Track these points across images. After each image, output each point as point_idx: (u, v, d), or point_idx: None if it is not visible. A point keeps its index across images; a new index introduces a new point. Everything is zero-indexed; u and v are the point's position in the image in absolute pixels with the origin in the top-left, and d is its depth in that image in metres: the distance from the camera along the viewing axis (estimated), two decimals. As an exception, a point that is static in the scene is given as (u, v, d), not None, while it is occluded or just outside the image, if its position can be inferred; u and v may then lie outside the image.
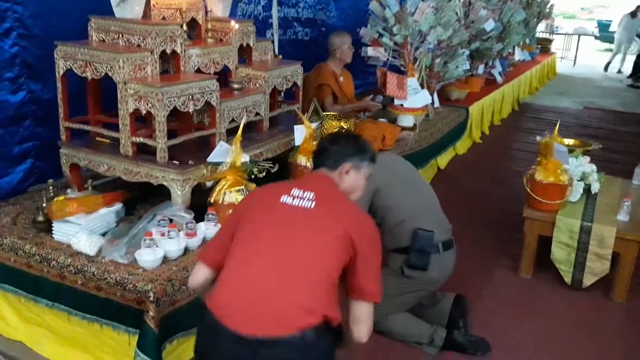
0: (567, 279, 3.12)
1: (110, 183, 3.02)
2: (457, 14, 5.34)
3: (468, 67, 6.18)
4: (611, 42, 18.20)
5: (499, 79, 7.44)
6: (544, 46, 11.50)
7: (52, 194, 2.56)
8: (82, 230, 2.36)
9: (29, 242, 2.40)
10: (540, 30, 12.55)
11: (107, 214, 2.54)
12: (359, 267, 1.71)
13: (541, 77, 10.49)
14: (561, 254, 3.09)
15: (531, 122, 7.61)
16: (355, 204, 1.94)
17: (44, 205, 2.50)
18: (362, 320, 1.73)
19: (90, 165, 2.70)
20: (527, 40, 9.59)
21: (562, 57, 13.99)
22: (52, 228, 2.44)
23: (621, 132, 7.11)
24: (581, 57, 14.44)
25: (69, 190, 2.76)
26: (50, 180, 2.64)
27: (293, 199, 1.78)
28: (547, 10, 9.76)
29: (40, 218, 2.49)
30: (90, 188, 2.71)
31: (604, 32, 18.46)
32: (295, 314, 1.57)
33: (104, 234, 2.43)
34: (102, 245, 2.34)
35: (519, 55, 8.88)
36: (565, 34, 15.57)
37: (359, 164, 1.97)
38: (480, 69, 6.77)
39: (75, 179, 2.79)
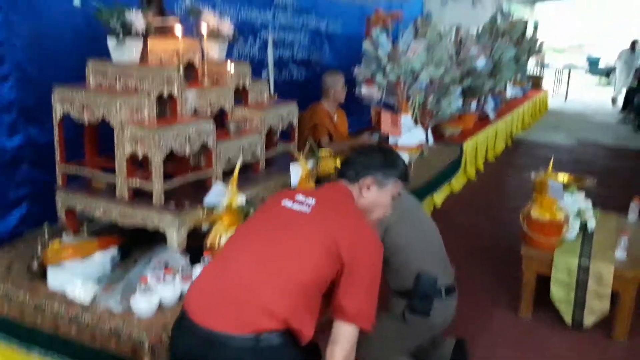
0: (567, 318, 3.09)
1: (105, 227, 2.99)
2: (448, 52, 5.44)
3: (461, 104, 6.26)
4: (601, 75, 18.59)
5: (491, 115, 7.52)
6: (535, 82, 11.68)
7: (47, 239, 2.54)
8: (77, 277, 2.32)
9: (23, 290, 2.36)
10: (531, 66, 12.77)
11: (102, 259, 2.51)
12: (342, 282, 1.60)
13: (533, 112, 10.62)
14: (560, 293, 3.06)
15: (525, 158, 7.67)
16: (361, 218, 1.79)
17: (39, 251, 2.47)
18: (336, 342, 1.59)
19: (86, 209, 2.68)
20: (518, 77, 9.75)
21: (553, 93, 14.19)
22: (47, 275, 2.40)
23: (614, 166, 7.17)
24: (572, 92, 14.67)
25: (64, 234, 2.73)
26: (46, 225, 2.62)
27: (293, 202, 1.74)
28: (537, 47, 9.94)
29: (35, 265, 2.46)
30: (85, 232, 2.69)
31: (594, 67, 18.84)
32: (254, 313, 1.50)
33: (99, 280, 2.40)
34: (97, 292, 2.30)
35: (510, 91, 9.01)
36: (555, 70, 15.85)
37: (383, 180, 1.85)
38: (473, 105, 6.85)
39: (71, 223, 2.77)
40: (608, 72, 18.16)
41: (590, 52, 22.09)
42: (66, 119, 2.67)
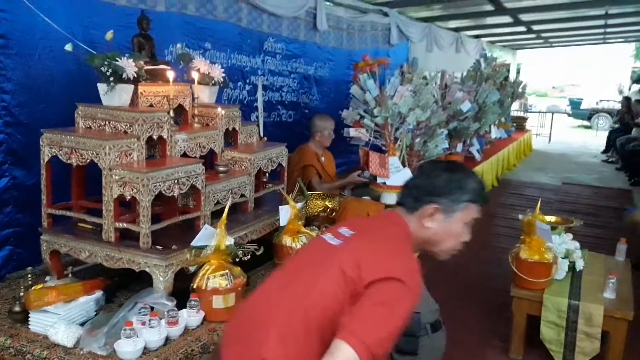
0: (558, 359, 3.06)
1: (91, 269, 2.95)
2: (434, 96, 5.55)
3: (447, 145, 6.35)
4: (583, 119, 19.02)
5: (477, 156, 7.63)
6: (519, 124, 11.91)
7: (30, 282, 2.50)
8: (60, 321, 2.27)
9: (4, 334, 2.30)
10: (515, 109, 13.06)
11: (87, 302, 2.46)
12: (355, 305, 1.38)
13: (518, 153, 10.78)
14: (551, 334, 3.04)
15: (511, 198, 7.74)
16: (400, 247, 1.53)
17: (22, 294, 2.42)
18: (329, 355, 1.34)
19: (71, 252, 2.65)
20: (503, 119, 9.94)
21: (537, 134, 14.46)
22: (29, 318, 2.35)
23: (599, 206, 7.25)
24: (555, 133, 14.96)
25: (48, 278, 2.69)
26: (29, 268, 2.58)
27: (332, 236, 1.56)
28: (521, 90, 10.19)
29: (17, 308, 2.40)
30: (70, 275, 2.65)
31: (576, 109, 19.30)
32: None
33: (82, 324, 2.35)
34: (81, 335, 2.25)
35: (495, 133, 9.17)
36: (539, 112, 16.20)
37: (451, 206, 1.59)
38: (459, 147, 6.95)
39: (55, 266, 2.73)
40: (589, 116, 18.60)
41: (571, 95, 22.66)
42: (53, 161, 2.66)
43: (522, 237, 3.18)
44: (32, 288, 2.40)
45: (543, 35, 12.02)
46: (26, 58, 2.95)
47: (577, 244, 3.35)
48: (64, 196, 2.81)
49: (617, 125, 12.95)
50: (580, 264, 3.28)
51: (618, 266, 3.45)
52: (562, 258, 3.22)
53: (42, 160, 2.65)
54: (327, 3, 5.79)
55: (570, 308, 2.96)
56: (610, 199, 7.77)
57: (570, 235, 3.39)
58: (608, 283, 3.01)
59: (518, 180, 8.96)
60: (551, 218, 3.59)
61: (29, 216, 2.98)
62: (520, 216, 3.25)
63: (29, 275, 2.52)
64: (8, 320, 2.42)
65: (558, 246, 3.23)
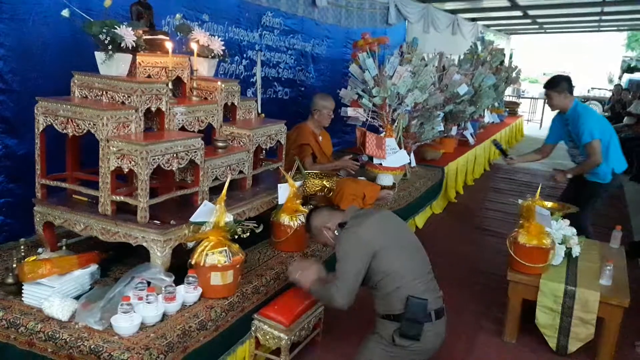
0: (552, 344, 3.08)
1: (84, 242, 2.90)
2: (432, 77, 5.50)
3: (442, 128, 6.34)
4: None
5: (471, 140, 7.62)
6: (512, 109, 11.93)
7: (23, 254, 2.44)
8: (54, 294, 2.23)
9: (-4, 306, 2.26)
10: (508, 94, 13.04)
11: (82, 275, 2.42)
12: None
13: (510, 138, 10.80)
14: (546, 319, 3.05)
15: (503, 182, 7.77)
16: None
17: (14, 266, 2.37)
18: None
19: (66, 224, 2.58)
20: (496, 104, 9.93)
21: (528, 120, 14.49)
22: (22, 291, 2.30)
23: (590, 193, 7.28)
24: (547, 120, 14.98)
25: (40, 250, 2.63)
26: (22, 240, 2.52)
27: None
28: (515, 75, 10.16)
29: (10, 280, 2.35)
30: (64, 247, 2.59)
31: (567, 97, 19.32)
32: None
33: (77, 297, 2.31)
34: (76, 309, 2.21)
35: (488, 117, 9.16)
36: (531, 98, 16.21)
37: None
38: (454, 130, 6.94)
39: (49, 238, 2.67)
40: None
41: (562, 82, 22.68)
42: (47, 130, 2.58)
43: (520, 221, 3.17)
44: (26, 260, 2.35)
45: (538, 20, 11.96)
46: (20, 23, 2.85)
47: (574, 230, 3.36)
48: (57, 167, 2.73)
49: (607, 114, 13.00)
50: (576, 250, 3.29)
51: (613, 253, 3.46)
52: (559, 244, 3.22)
53: (36, 130, 2.57)
54: (327, -21, 5.68)
55: (566, 294, 2.97)
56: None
57: (567, 222, 3.38)
58: (604, 270, 3.01)
59: (509, 166, 8.97)
60: (548, 204, 3.58)
61: (21, 187, 2.92)
62: (519, 201, 3.23)
63: (22, 247, 2.46)
64: (0, 291, 2.37)
65: (555, 232, 3.23)
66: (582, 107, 4.08)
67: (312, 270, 2.61)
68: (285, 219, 3.09)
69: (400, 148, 4.89)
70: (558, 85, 4.01)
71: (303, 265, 2.68)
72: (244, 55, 4.69)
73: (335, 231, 2.54)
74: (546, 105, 14.88)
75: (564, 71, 30.39)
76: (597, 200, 4.13)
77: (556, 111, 4.30)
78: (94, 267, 2.51)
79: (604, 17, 11.12)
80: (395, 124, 4.92)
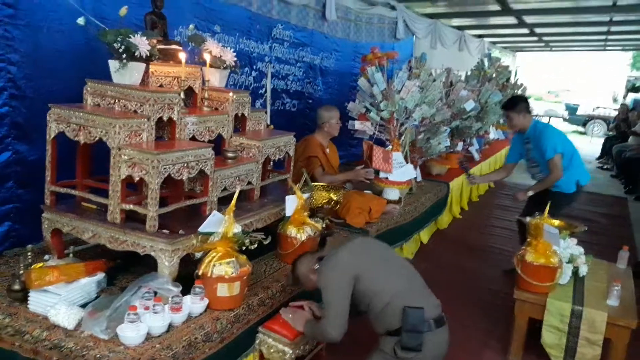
0: (558, 364, 3.05)
1: (91, 250, 2.90)
2: (440, 93, 5.51)
3: (449, 143, 6.33)
4: (578, 124, 19.12)
5: (476, 156, 7.62)
6: (517, 126, 11.89)
7: (30, 261, 2.43)
8: (61, 302, 2.22)
9: (2, 313, 2.25)
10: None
11: (89, 284, 2.41)
12: None
13: (514, 155, 10.77)
14: (552, 338, 3.03)
15: (507, 199, 7.74)
16: None
17: (21, 272, 2.36)
18: None
19: (74, 231, 2.58)
20: (502, 121, 9.93)
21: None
22: (29, 298, 2.29)
23: (595, 212, 7.27)
24: (550, 137, 14.98)
25: (47, 257, 2.63)
26: (29, 246, 2.52)
27: None
28: (520, 92, 10.17)
29: (17, 287, 2.34)
30: (71, 255, 2.59)
31: (572, 115, 19.38)
32: None
33: (83, 306, 2.30)
34: (82, 318, 2.20)
35: (493, 134, 9.17)
36: (536, 115, 16.22)
37: None
38: (459, 146, 6.93)
39: (56, 245, 2.66)
40: (585, 122, 18.70)
41: (565, 100, 22.76)
42: (58, 137, 2.59)
43: (528, 239, 3.15)
44: (33, 266, 2.34)
45: (545, 38, 11.99)
46: (35, 30, 2.87)
47: (582, 249, 3.34)
48: (66, 174, 2.74)
49: (612, 133, 12.99)
50: (584, 270, 3.27)
51: (620, 273, 3.44)
52: (567, 263, 3.21)
53: (48, 136, 2.57)
54: (337, -7, 5.71)
55: (573, 313, 2.95)
56: (606, 205, 7.80)
57: (575, 240, 3.37)
58: (612, 290, 3.00)
59: (514, 183, 8.95)
60: (555, 222, 3.57)
61: (30, 193, 2.92)
62: (527, 218, 3.22)
63: (29, 254, 2.46)
64: (6, 298, 2.36)
65: (563, 250, 3.22)
66: (541, 124, 4.22)
67: (302, 314, 2.64)
68: (292, 231, 3.08)
69: (407, 162, 4.89)
70: (517, 105, 4.10)
71: (293, 309, 2.69)
72: (254, 67, 4.71)
73: (315, 265, 2.57)
74: (551, 122, 14.88)
75: (568, 89, 30.51)
76: (561, 210, 4.20)
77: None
78: (101, 276, 2.50)
79: (610, 37, 11.15)
80: (403, 138, 4.92)
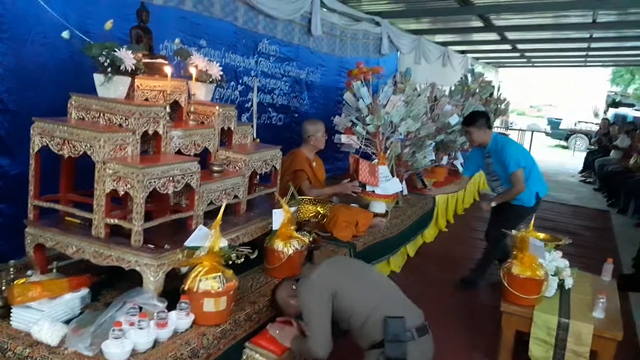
0: (546, 377, 3.06)
1: (75, 265, 2.85)
2: (424, 107, 5.56)
3: (434, 157, 6.38)
4: (560, 139, 19.39)
5: (461, 169, 7.66)
6: (500, 140, 12.03)
7: (12, 276, 2.39)
8: (44, 318, 2.18)
9: (-17, 330, 2.20)
10: (496, 125, 13.20)
11: (72, 299, 2.37)
12: None
13: (499, 169, 10.88)
14: (539, 351, 3.03)
15: (492, 212, 7.79)
16: None
17: (3, 288, 2.31)
18: None
19: (58, 246, 2.54)
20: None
21: (516, 151, 14.64)
22: (11, 314, 2.24)
23: (579, 225, 7.35)
24: (534, 152, 15.16)
25: (30, 272, 2.58)
26: (12, 262, 2.47)
27: None
28: (504, 107, 10.30)
29: (-2, 303, 2.29)
30: (54, 270, 2.55)
31: (555, 129, 19.65)
32: None
33: (67, 322, 2.26)
34: (66, 334, 2.15)
35: (478, 148, 9.24)
36: (519, 130, 16.45)
37: None
38: (444, 160, 6.99)
39: (39, 261, 2.62)
40: (567, 136, 18.98)
41: (548, 114, 23.10)
42: (41, 151, 2.56)
43: (514, 252, 3.17)
44: (15, 282, 2.30)
45: (527, 54, 12.20)
46: (18, 43, 2.86)
47: (567, 262, 3.37)
48: (50, 188, 2.70)
49: (594, 147, 13.20)
50: (569, 282, 3.29)
51: (605, 286, 3.47)
52: (552, 275, 3.23)
53: (31, 150, 2.54)
54: (323, 9, 5.76)
55: (560, 326, 2.96)
56: (589, 218, 7.89)
57: (560, 253, 3.40)
58: (598, 302, 3.01)
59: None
60: (540, 235, 3.60)
61: (12, 207, 2.88)
62: (513, 232, 3.24)
63: (12, 269, 2.41)
64: (-13, 314, 2.31)
65: (549, 263, 3.24)
66: (501, 139, 4.30)
67: (289, 330, 2.62)
68: (279, 245, 3.06)
69: (393, 176, 4.91)
70: (477, 121, 4.15)
71: (280, 325, 2.67)
72: (240, 81, 4.73)
73: (293, 286, 2.60)
74: (534, 136, 15.05)
75: (550, 104, 30.99)
76: (521, 222, 4.35)
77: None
78: (84, 291, 2.46)
79: (590, 53, 11.38)
80: (388, 151, 4.95)
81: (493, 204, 4.33)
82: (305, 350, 2.45)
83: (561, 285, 3.29)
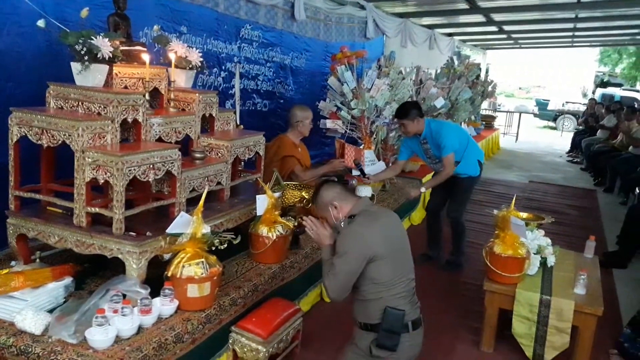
0: (529, 353, 3.10)
1: (58, 255, 2.86)
2: (409, 91, 5.57)
3: (420, 140, 6.40)
4: (548, 119, 19.47)
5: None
6: (488, 122, 12.10)
7: (-5, 267, 2.39)
8: (27, 307, 2.19)
9: (-34, 320, 2.20)
10: (484, 107, 13.25)
11: (56, 288, 2.38)
12: None
13: (486, 151, 10.94)
14: (522, 328, 3.09)
15: (480, 194, 7.83)
16: None
17: (-15, 279, 2.31)
18: None
19: (40, 236, 2.54)
20: (473, 117, 10.08)
21: (504, 133, 14.72)
22: (-6, 304, 2.25)
23: (565, 205, 7.41)
24: (522, 133, 15.25)
25: (13, 263, 2.59)
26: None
27: None
28: (491, 89, 10.34)
29: (-19, 293, 2.30)
30: (37, 260, 2.55)
31: (543, 110, 19.72)
32: None
33: (51, 311, 2.27)
34: (50, 323, 2.17)
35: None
36: (507, 111, 16.49)
37: None
38: (431, 142, 7.00)
39: (22, 251, 2.62)
40: (555, 117, 19.07)
41: (537, 96, 23.18)
42: (21, 141, 2.55)
43: (496, 231, 3.20)
44: (-3, 273, 2.30)
45: (513, 36, 12.21)
46: (-6, 32, 2.82)
47: (549, 240, 3.40)
48: (31, 178, 2.70)
49: (581, 127, 13.27)
50: (551, 260, 3.33)
51: (587, 263, 3.52)
52: (534, 254, 3.27)
53: (10, 140, 2.53)
54: (306, -7, 5.73)
55: (542, 303, 3.01)
56: (575, 198, 7.96)
57: (542, 232, 3.44)
58: (579, 279, 3.06)
59: (486, 178, 9.08)
60: (523, 214, 3.63)
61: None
62: (495, 211, 3.27)
63: (-6, 260, 2.42)
64: (-30, 305, 2.31)
65: (531, 242, 3.27)
66: (435, 124, 4.31)
67: (328, 234, 2.45)
68: (263, 230, 3.08)
69: (379, 160, 4.93)
70: (409, 113, 4.16)
71: (320, 223, 2.46)
72: (223, 67, 4.70)
73: (342, 222, 2.42)
74: (521, 118, 15.10)
75: (538, 85, 31.05)
76: (471, 192, 4.62)
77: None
78: (68, 280, 2.47)
79: (576, 33, 11.40)
80: (374, 136, 4.96)
81: (423, 190, 4.40)
82: (324, 276, 2.36)
83: (544, 263, 3.33)
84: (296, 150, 4.27)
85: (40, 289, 2.32)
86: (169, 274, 2.44)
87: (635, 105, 10.76)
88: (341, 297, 2.30)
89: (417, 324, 2.36)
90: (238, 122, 3.66)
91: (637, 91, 21.40)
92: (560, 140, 15.58)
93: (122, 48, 2.73)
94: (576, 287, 3.06)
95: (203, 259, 2.47)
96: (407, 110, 4.17)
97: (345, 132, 4.89)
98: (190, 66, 3.14)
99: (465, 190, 4.50)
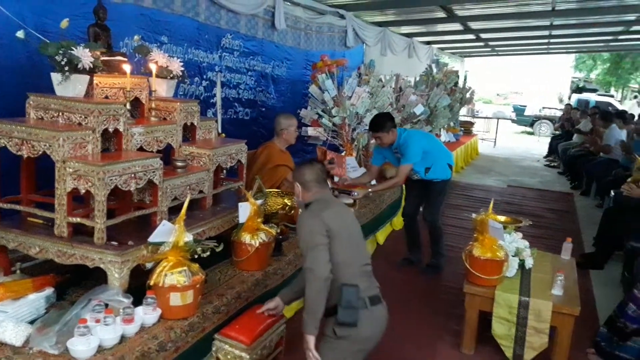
0: (509, 354, 3.16)
1: (40, 265, 2.84)
2: (389, 98, 5.65)
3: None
4: (526, 125, 19.77)
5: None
6: (467, 128, 12.26)
7: (-26, 279, 2.37)
8: (7, 319, 2.17)
9: (-55, 334, 2.18)
10: (463, 113, 13.42)
11: (37, 299, 2.37)
12: None
13: (465, 157, 11.09)
14: (502, 329, 3.14)
15: (460, 199, 7.94)
16: None
17: (-35, 291, 2.29)
18: None
19: (21, 247, 2.53)
20: (452, 123, 10.22)
21: (482, 139, 14.91)
22: (-26, 316, 2.23)
23: (543, 208, 7.54)
24: (500, 138, 15.48)
25: (-7, 274, 2.56)
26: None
27: None
28: (469, 96, 10.49)
29: (-40, 306, 2.28)
30: (18, 271, 2.54)
31: (520, 116, 20.03)
32: None
33: (32, 322, 2.25)
34: (30, 334, 2.15)
35: (444, 136, 9.42)
36: (485, 117, 16.72)
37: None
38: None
39: (3, 262, 2.60)
40: (532, 123, 19.38)
41: (514, 102, 23.52)
42: (0, 153, 2.54)
43: (475, 235, 3.27)
44: (-23, 285, 2.28)
45: (490, 43, 12.43)
46: (-28, 44, 2.81)
47: (527, 243, 3.47)
48: (10, 189, 2.68)
49: (558, 132, 13.51)
50: (529, 262, 3.40)
51: (564, 264, 3.60)
52: (513, 256, 3.33)
53: (-11, 151, 2.52)
54: (286, 2, 5.77)
55: (520, 304, 3.07)
56: (553, 201, 8.10)
57: (520, 234, 3.51)
58: (556, 280, 3.13)
59: (466, 183, 9.21)
60: (501, 217, 3.71)
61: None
62: (473, 215, 3.33)
63: (-27, 272, 2.40)
64: (-50, 318, 2.29)
65: (509, 244, 3.34)
66: (405, 135, 4.38)
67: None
68: (246, 237, 3.10)
69: (361, 166, 4.98)
70: (384, 126, 4.25)
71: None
72: (204, 77, 4.72)
73: (300, 209, 2.57)
74: (499, 124, 15.31)
75: (516, 92, 31.50)
76: (445, 194, 4.70)
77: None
78: (49, 291, 2.46)
79: (552, 40, 11.65)
80: (355, 142, 5.02)
81: (370, 192, 4.52)
82: (308, 287, 2.38)
83: (522, 265, 3.40)
84: (286, 158, 4.29)
85: (21, 300, 2.30)
86: (152, 283, 2.44)
87: (610, 109, 11.01)
88: (328, 268, 2.34)
89: (375, 301, 2.42)
90: (220, 131, 3.69)
91: (612, 96, 21.91)
92: (537, 145, 15.84)
93: (102, 58, 2.75)
94: (554, 288, 3.13)
95: (185, 267, 2.48)
96: (382, 123, 4.23)
97: (327, 139, 4.93)
98: (172, 75, 3.15)
99: (439, 194, 4.59)
